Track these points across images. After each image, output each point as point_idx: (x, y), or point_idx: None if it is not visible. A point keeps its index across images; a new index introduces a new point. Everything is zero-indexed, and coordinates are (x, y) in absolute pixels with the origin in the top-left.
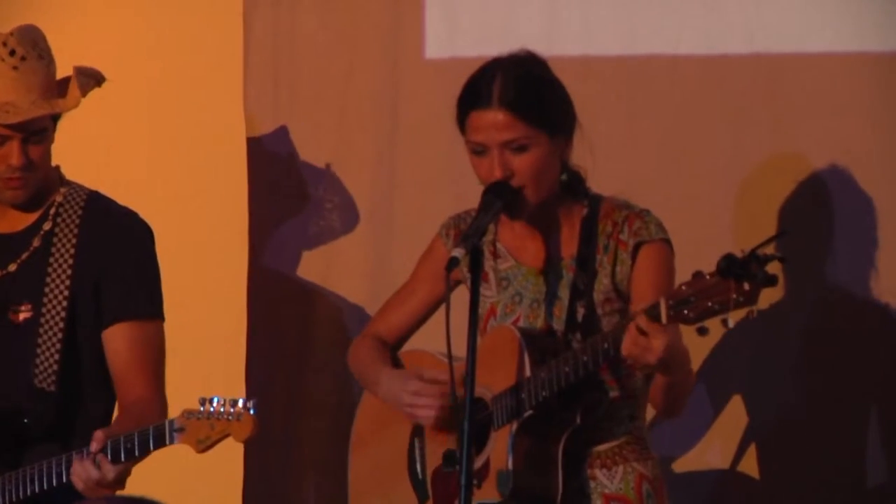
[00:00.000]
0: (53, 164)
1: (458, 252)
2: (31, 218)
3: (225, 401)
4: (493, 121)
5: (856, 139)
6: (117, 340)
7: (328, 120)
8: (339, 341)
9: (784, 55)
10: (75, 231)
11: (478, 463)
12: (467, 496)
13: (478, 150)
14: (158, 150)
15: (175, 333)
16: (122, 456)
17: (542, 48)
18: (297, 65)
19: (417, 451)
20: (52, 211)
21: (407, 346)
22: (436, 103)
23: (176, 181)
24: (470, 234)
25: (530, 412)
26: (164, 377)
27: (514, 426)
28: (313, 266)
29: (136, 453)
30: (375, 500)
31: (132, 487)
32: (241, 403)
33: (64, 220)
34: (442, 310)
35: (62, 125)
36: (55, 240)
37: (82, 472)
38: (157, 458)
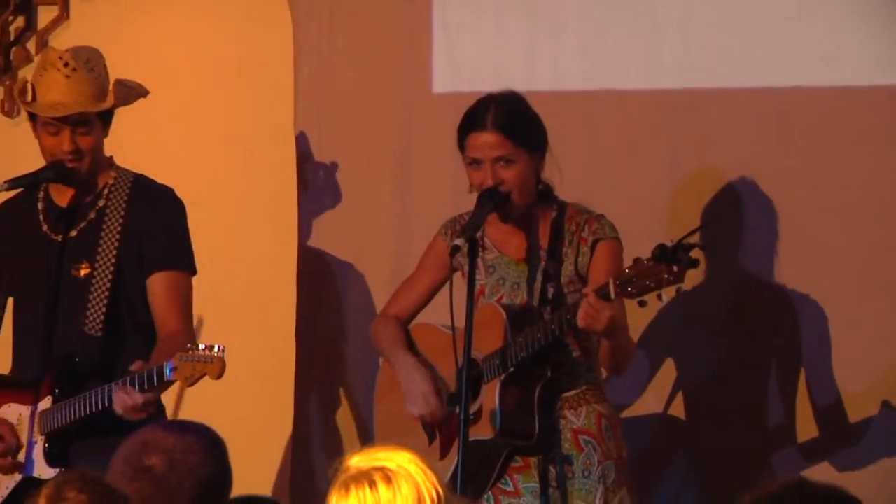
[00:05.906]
0: (109, 153)
1: (460, 241)
2: (87, 196)
3: (205, 346)
4: (488, 140)
5: (761, 157)
6: (156, 285)
7: (358, 143)
8: (368, 313)
9: (710, 90)
10: (124, 206)
11: (474, 407)
12: (465, 431)
13: (474, 164)
14: (219, 152)
15: (232, 308)
16: (136, 388)
17: (523, 85)
18: (334, 98)
19: None
20: (106, 191)
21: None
22: (441, 129)
23: (233, 180)
24: (468, 227)
25: (512, 369)
26: (192, 316)
27: (500, 380)
28: (349, 255)
29: (145, 387)
30: (395, 443)
31: (197, 415)
32: (216, 349)
33: (115, 197)
34: (442, 291)
35: (138, 132)
36: (107, 212)
37: (118, 400)
38: (216, 391)
